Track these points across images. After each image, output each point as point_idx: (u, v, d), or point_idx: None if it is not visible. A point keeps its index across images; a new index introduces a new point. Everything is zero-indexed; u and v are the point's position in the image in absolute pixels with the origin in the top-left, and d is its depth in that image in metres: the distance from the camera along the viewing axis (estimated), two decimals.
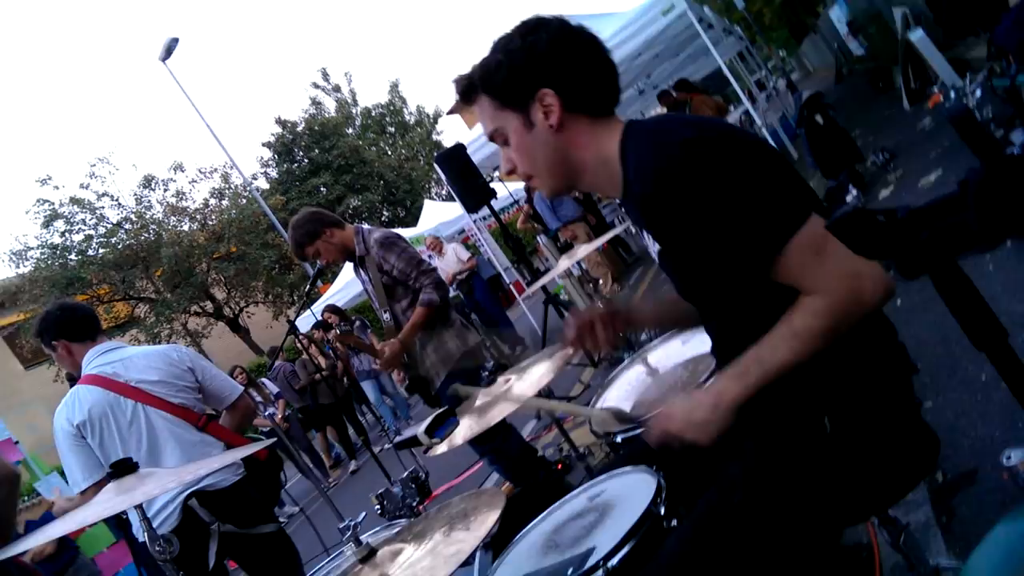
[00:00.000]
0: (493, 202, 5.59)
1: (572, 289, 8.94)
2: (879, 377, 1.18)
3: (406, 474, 2.01)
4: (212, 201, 18.90)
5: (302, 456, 8.99)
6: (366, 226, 3.35)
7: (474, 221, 13.05)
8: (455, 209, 15.62)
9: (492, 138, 1.32)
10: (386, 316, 3.25)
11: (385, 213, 27.03)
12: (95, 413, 2.64)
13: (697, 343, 2.06)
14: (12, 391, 16.75)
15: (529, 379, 2.22)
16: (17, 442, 6.70)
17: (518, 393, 2.19)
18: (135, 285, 17.33)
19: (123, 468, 1.32)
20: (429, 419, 1.89)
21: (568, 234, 8.04)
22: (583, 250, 2.64)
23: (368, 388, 9.07)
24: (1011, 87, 3.59)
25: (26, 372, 18.68)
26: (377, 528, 1.91)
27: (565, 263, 2.31)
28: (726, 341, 1.34)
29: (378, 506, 2.00)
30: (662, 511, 1.37)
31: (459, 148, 5.54)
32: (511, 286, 11.95)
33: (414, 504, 1.98)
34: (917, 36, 5.27)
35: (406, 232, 13.18)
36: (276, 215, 18.24)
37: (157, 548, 1.35)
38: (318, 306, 14.12)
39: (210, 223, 18.37)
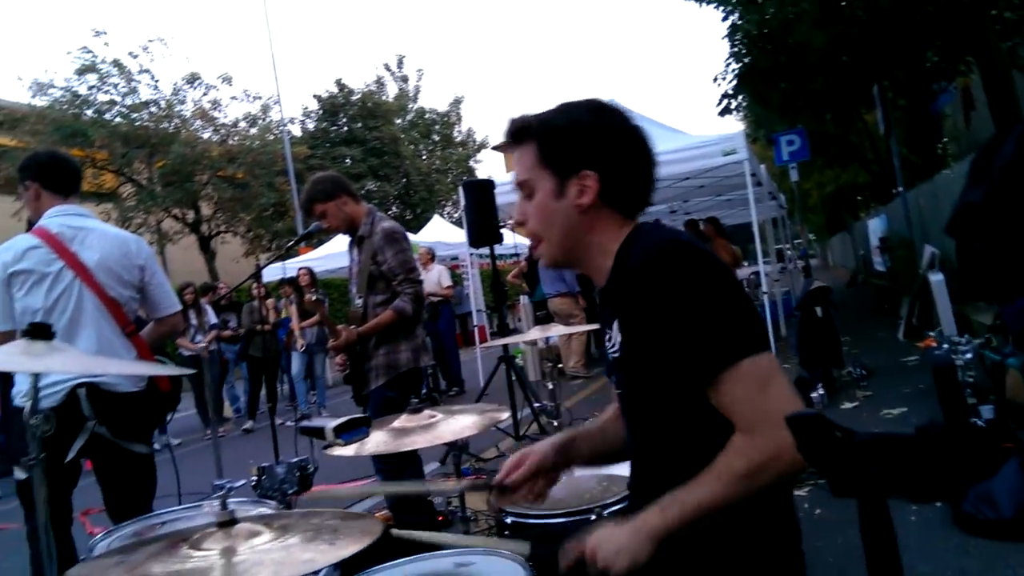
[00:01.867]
0: (496, 246, 5.63)
1: (530, 357, 8.94)
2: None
3: (297, 459, 1.95)
4: (242, 124, 18.85)
5: (206, 395, 8.81)
6: (379, 213, 3.35)
7: (471, 255, 13.15)
8: (458, 235, 15.71)
9: (519, 186, 1.32)
10: (358, 302, 3.24)
11: (395, 208, 27.04)
12: (34, 268, 2.56)
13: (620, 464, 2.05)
14: None
15: (453, 424, 2.19)
16: None
17: (438, 432, 2.17)
18: (132, 164, 17.08)
19: (39, 331, 1.27)
20: (344, 419, 1.85)
21: (558, 304, 8.06)
22: (559, 329, 2.63)
23: (296, 360, 8.91)
24: (999, 364, 3.70)
25: None
26: (242, 499, 1.85)
27: (537, 333, 2.31)
28: (643, 472, 1.32)
29: (255, 478, 1.93)
30: None
31: (489, 183, 5.59)
32: (476, 328, 11.94)
33: (289, 492, 1.91)
34: (936, 278, 5.45)
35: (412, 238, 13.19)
36: (294, 164, 18.20)
37: (33, 421, 1.29)
38: (292, 263, 14.01)
39: (230, 142, 18.26)
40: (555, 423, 2.49)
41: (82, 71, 16.27)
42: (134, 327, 2.77)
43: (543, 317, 2.50)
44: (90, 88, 16.38)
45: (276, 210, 19.47)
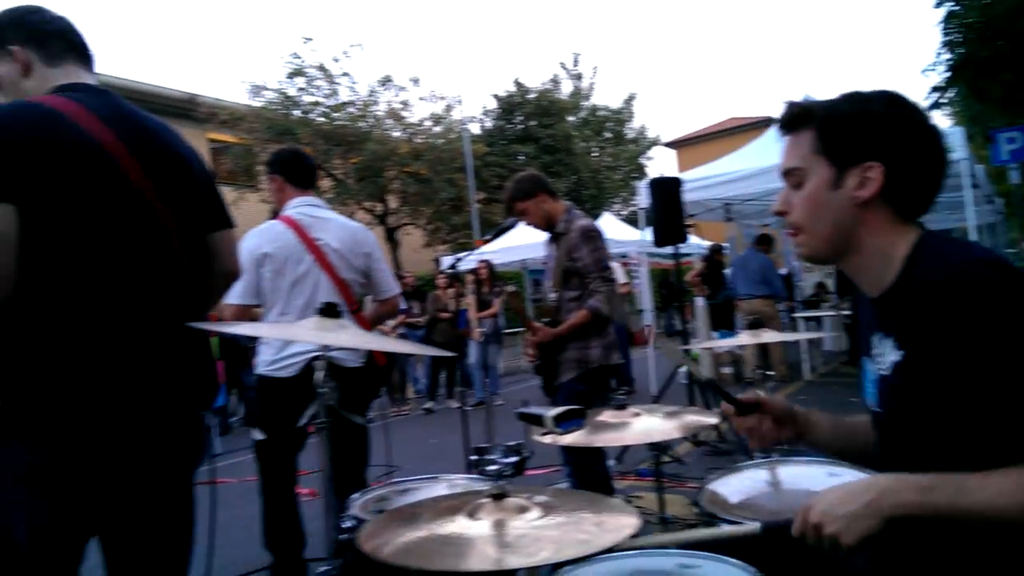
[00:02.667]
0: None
1: (706, 361, 8.70)
2: None
3: (513, 443, 2.04)
4: (427, 123, 19.88)
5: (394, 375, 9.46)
6: (577, 210, 3.44)
7: (640, 253, 12.98)
8: (629, 233, 15.57)
9: (786, 174, 1.27)
10: (552, 296, 3.36)
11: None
12: (281, 252, 2.90)
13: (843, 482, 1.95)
14: None
15: (653, 425, 2.19)
16: None
17: (642, 431, 2.18)
18: (331, 160, 18.60)
19: (330, 311, 1.44)
20: (563, 409, 1.90)
21: (757, 306, 7.86)
22: (771, 335, 2.53)
23: (473, 348, 9.28)
24: None
25: None
26: (461, 475, 1.97)
27: (747, 339, 2.24)
28: None
29: (475, 456, 2.05)
30: None
31: (675, 181, 5.50)
32: (646, 328, 11.80)
33: (504, 474, 2.01)
34: None
35: None
36: (472, 161, 18.97)
37: (323, 390, 1.46)
38: (471, 256, 14.56)
39: (416, 140, 19.32)
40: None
41: (292, 75, 17.95)
42: (359, 306, 3.07)
43: (754, 322, 2.41)
44: (298, 90, 18.03)
45: (454, 205, 20.36)
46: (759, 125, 42.52)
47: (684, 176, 8.73)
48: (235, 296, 2.91)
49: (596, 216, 23.60)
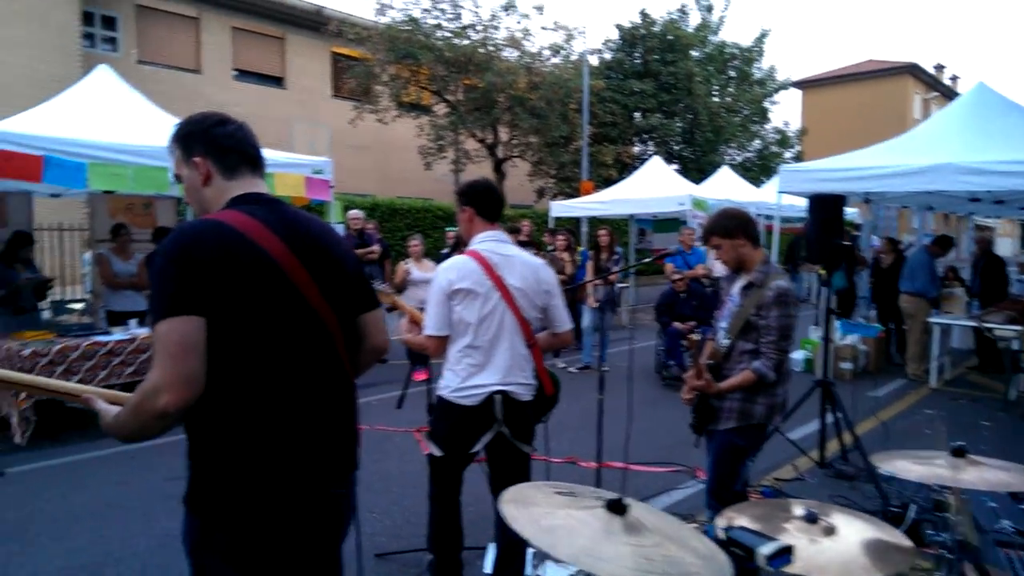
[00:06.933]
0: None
1: (819, 356, 8.42)
2: None
3: None
4: (546, 52, 19.35)
5: None
6: (775, 264, 3.35)
7: (760, 215, 12.49)
8: (747, 191, 14.93)
9: None
10: (724, 342, 3.31)
11: (674, 147, 26.32)
12: (471, 288, 3.02)
13: None
14: (315, 111, 18.99)
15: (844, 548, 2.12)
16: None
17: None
18: (448, 87, 18.49)
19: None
20: (776, 546, 1.90)
21: (901, 301, 7.70)
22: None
23: (587, 314, 9.28)
24: None
25: (332, 99, 21.05)
26: None
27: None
28: None
29: None
30: None
31: (839, 200, 5.19)
32: None
33: None
34: None
35: (696, 190, 12.88)
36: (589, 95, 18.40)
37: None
38: (578, 203, 14.38)
39: (533, 71, 18.86)
40: None
41: None
42: (536, 342, 3.17)
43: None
44: (423, 11, 17.80)
45: (564, 140, 20.00)
46: (899, 72, 39.09)
47: (820, 166, 8.27)
48: (431, 328, 3.04)
49: (709, 163, 22.68)
